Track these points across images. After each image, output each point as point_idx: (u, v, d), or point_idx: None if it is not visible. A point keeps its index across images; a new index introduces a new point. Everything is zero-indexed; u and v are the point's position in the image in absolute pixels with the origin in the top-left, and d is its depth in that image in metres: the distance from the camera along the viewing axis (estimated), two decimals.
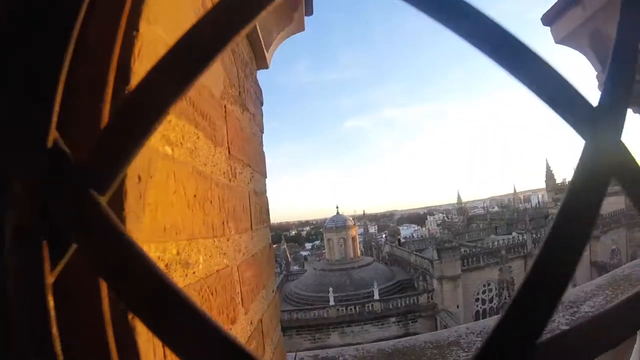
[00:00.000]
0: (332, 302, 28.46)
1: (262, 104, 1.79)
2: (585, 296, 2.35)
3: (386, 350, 1.62)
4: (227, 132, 1.09)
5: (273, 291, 1.59)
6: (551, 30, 2.43)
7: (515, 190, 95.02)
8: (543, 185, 58.13)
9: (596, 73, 2.39)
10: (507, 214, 65.96)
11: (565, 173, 69.48)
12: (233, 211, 1.09)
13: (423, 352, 1.62)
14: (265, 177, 1.76)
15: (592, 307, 2.17)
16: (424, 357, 1.58)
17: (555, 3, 2.30)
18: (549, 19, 2.38)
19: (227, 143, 1.09)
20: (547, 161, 56.42)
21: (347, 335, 27.64)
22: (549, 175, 55.83)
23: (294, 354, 1.77)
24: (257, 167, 1.48)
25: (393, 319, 28.23)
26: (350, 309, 28.38)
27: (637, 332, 1.97)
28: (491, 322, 2.04)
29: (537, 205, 73.75)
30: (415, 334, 27.58)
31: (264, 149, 1.81)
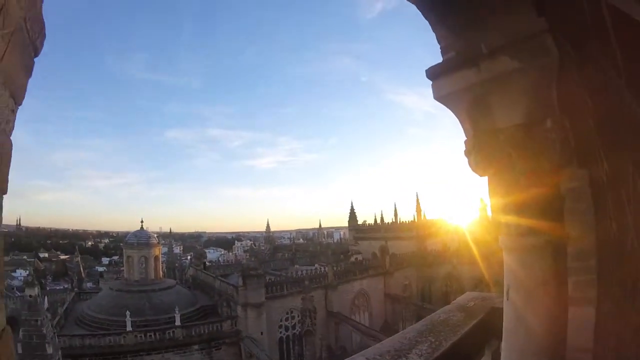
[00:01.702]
0: (129, 327, 25.66)
1: (36, 52, 0.99)
2: (409, 343, 2.39)
3: None
4: None
5: None
6: (433, 85, 2.44)
7: (320, 226, 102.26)
8: (346, 224, 64.12)
9: (465, 138, 2.45)
10: (311, 247, 70.43)
11: (365, 216, 78.45)
12: None
13: None
14: (1, 194, 0.94)
15: (419, 355, 2.20)
16: None
17: (449, 58, 2.31)
18: (435, 74, 2.38)
19: None
20: (352, 203, 62.82)
21: None
22: (352, 216, 62.13)
23: None
24: None
25: (196, 347, 26.84)
26: (150, 335, 26.00)
27: None
28: None
29: (339, 241, 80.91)
30: None
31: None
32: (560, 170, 2.16)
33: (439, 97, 2.45)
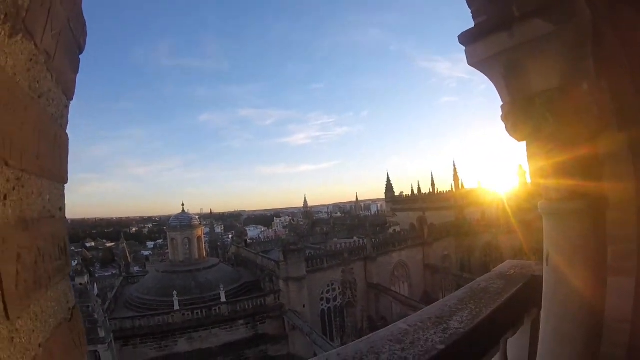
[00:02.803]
0: (177, 307, 26.66)
1: (80, 49, 1.06)
2: (450, 311, 2.38)
3: None
4: None
5: None
6: (467, 51, 2.38)
7: (357, 199, 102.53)
8: (383, 196, 63.75)
9: (502, 103, 2.40)
10: (348, 220, 70.70)
11: (402, 187, 77.95)
12: None
13: None
14: (62, 183, 1.00)
15: (460, 322, 2.19)
16: None
17: (481, 23, 2.26)
18: (468, 39, 2.33)
19: None
20: (387, 175, 62.15)
21: (195, 341, 26.24)
22: (389, 188, 61.56)
23: None
24: (33, 164, 0.80)
25: (241, 322, 27.69)
26: (197, 313, 26.94)
27: (501, 340, 2.00)
28: (361, 344, 1.90)
29: (377, 213, 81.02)
30: (264, 335, 27.91)
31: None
32: (599, 134, 2.10)
33: (473, 62, 2.40)
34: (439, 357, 1.77)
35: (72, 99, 1.03)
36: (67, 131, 1.03)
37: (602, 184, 2.13)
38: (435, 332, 2.01)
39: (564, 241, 2.23)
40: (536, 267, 3.25)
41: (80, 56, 1.08)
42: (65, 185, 1.04)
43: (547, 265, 2.33)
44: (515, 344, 2.86)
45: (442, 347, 1.84)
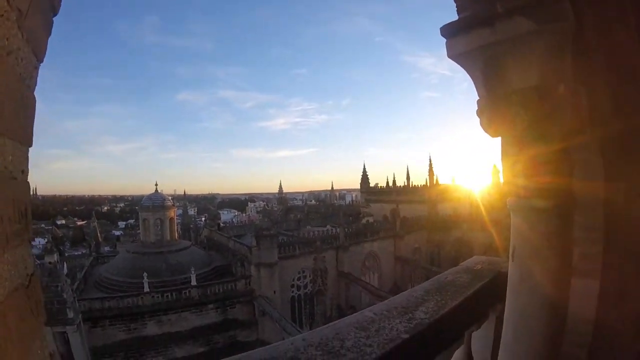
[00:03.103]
0: (146, 289, 26.42)
1: (54, 11, 1.04)
2: (416, 301, 2.38)
3: None
4: None
5: None
6: (447, 43, 2.38)
7: (332, 187, 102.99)
8: (358, 186, 64.24)
9: (477, 98, 2.41)
10: (323, 208, 71.03)
11: (378, 179, 78.45)
12: None
13: None
14: (27, 145, 0.99)
15: (426, 313, 2.20)
16: None
17: (465, 17, 2.25)
18: (450, 32, 2.33)
19: None
20: (364, 165, 62.63)
21: (165, 324, 26.07)
22: (364, 178, 62.05)
23: None
24: None
25: (211, 306, 27.63)
26: (167, 295, 26.69)
27: (465, 332, 2.04)
28: (327, 330, 1.90)
29: (351, 203, 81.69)
30: (233, 320, 27.87)
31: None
32: (571, 136, 2.13)
33: (452, 55, 2.40)
34: (403, 346, 1.77)
35: (42, 61, 1.02)
36: (37, 96, 1.01)
37: (571, 185, 2.16)
38: (400, 322, 2.01)
39: (529, 239, 2.26)
40: (504, 263, 3.30)
41: (54, 18, 1.05)
42: (31, 149, 1.02)
43: (512, 261, 2.37)
44: (479, 337, 2.91)
45: (406, 336, 1.84)
